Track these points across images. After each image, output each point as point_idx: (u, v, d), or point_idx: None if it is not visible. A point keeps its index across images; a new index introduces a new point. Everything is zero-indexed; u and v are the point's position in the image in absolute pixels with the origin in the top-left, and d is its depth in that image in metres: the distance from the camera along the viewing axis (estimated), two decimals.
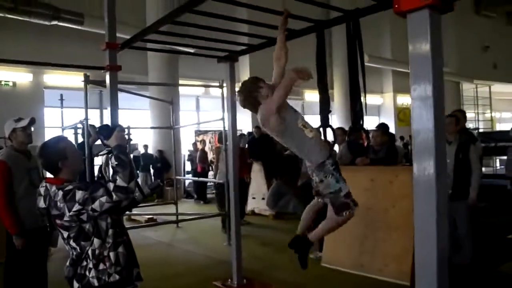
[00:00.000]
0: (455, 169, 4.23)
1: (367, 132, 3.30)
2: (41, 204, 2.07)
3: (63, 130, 7.02)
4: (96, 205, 1.94)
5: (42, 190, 2.08)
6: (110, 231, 2.06)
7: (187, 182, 12.16)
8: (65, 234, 2.04)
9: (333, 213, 2.92)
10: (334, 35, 13.85)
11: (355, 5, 2.99)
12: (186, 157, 12.35)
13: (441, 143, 1.33)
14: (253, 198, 8.72)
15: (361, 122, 3.00)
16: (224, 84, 6.95)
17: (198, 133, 12.56)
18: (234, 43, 4.05)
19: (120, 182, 1.93)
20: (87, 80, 5.22)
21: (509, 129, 10.92)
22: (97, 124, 5.38)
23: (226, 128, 6.20)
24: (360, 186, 4.74)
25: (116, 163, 1.99)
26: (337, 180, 2.86)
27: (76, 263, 2.05)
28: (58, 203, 1.98)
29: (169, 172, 10.72)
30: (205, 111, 13.78)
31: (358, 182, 4.78)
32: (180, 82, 11.33)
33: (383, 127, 5.41)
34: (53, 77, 10.71)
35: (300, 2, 2.79)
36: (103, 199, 1.93)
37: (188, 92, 12.87)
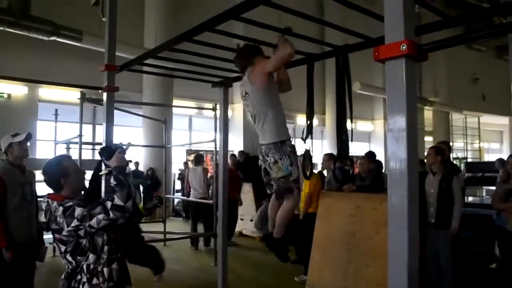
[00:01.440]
0: (438, 198, 4.37)
1: (352, 160, 3.44)
2: (42, 218, 2.17)
3: (56, 144, 7.08)
4: (93, 222, 2.04)
5: (43, 205, 2.19)
6: (106, 248, 2.16)
7: (176, 200, 12.19)
8: (63, 248, 2.14)
9: (282, 202, 3.05)
10: (328, 64, 14.16)
11: (346, 40, 3.17)
12: (177, 176, 12.41)
13: (413, 173, 1.45)
14: (241, 219, 8.77)
15: (346, 151, 3.14)
16: (218, 107, 7.16)
17: (189, 152, 12.65)
18: (227, 70, 4.21)
19: (117, 201, 2.05)
20: (83, 98, 5.33)
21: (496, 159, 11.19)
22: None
23: (219, 149, 6.40)
24: (346, 212, 4.86)
25: (115, 183, 2.12)
26: (291, 163, 2.99)
27: (71, 277, 2.14)
28: (58, 218, 2.09)
29: (159, 190, 10.76)
30: (198, 130, 13.92)
31: (344, 208, 4.92)
32: (174, 101, 11.48)
33: (370, 155, 5.57)
34: (48, 91, 10.79)
35: (294, 37, 2.94)
36: (100, 216, 2.04)
37: (181, 111, 13.01)
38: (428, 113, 18.83)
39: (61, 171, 2.24)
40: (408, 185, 1.43)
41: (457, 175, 4.46)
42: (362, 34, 2.86)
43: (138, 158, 11.55)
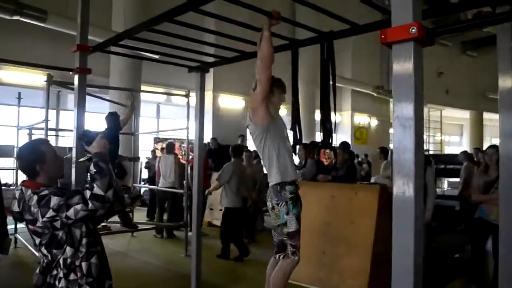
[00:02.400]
0: None
1: (335, 150, 3.40)
2: (15, 207, 2.01)
3: (18, 130, 6.71)
4: (70, 212, 1.89)
5: (17, 193, 2.02)
6: (84, 240, 2.01)
7: (142, 190, 11.90)
8: (37, 240, 1.99)
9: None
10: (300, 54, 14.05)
11: (330, 28, 3.10)
12: (143, 165, 12.10)
13: (419, 162, 1.40)
14: (211, 209, 8.66)
15: (330, 141, 3.09)
16: (191, 94, 6.98)
17: (157, 140, 12.37)
18: (205, 54, 4.08)
19: (97, 190, 1.90)
20: (50, 80, 5.03)
21: (457, 152, 11.55)
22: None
23: (190, 138, 6.24)
24: (322, 202, 4.86)
25: (94, 170, 1.96)
26: (287, 211, 2.81)
27: (46, 271, 1.98)
28: (32, 208, 1.93)
29: (125, 179, 10.45)
30: (165, 118, 13.62)
31: (320, 198, 4.90)
32: (143, 87, 11.14)
33: (344, 145, 5.58)
34: (10, 74, 10.21)
35: (282, 21, 2.84)
36: (78, 206, 1.88)
37: (149, 98, 12.67)
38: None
39: (38, 157, 2.06)
40: (415, 176, 1.38)
41: (430, 166, 4.52)
42: (349, 20, 2.81)
43: None
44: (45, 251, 1.98)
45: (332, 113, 3.10)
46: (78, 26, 3.53)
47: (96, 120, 11.54)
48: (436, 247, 5.99)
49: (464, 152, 9.00)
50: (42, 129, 5.24)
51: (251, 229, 7.23)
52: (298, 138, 3.07)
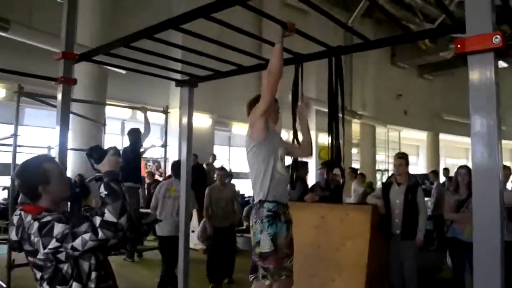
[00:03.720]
0: (404, 210, 4.36)
1: (343, 169, 3.28)
2: (13, 236, 1.69)
3: None
4: (77, 243, 1.61)
5: (15, 219, 1.71)
6: (93, 275, 1.72)
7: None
8: (38, 274, 1.68)
9: None
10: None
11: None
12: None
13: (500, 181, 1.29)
14: (192, 231, 8.31)
15: (339, 158, 2.96)
16: (169, 110, 6.72)
17: None
18: (197, 66, 3.87)
19: (108, 216, 1.63)
20: (21, 92, 4.63)
21: (418, 172, 11.87)
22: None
23: (168, 156, 5.98)
24: (311, 223, 4.70)
25: (105, 192, 1.68)
26: (261, 230, 2.64)
27: None
28: (32, 237, 1.63)
29: (88, 198, 9.89)
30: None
31: (309, 219, 4.75)
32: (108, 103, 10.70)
33: (330, 165, 5.49)
34: None
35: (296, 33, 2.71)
36: (87, 236, 1.61)
37: (114, 114, 12.19)
38: (355, 126, 19.65)
39: (41, 176, 1.77)
40: (500, 199, 1.26)
41: (421, 186, 4.51)
42: (362, 35, 2.72)
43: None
44: (47, 287, 1.69)
45: (341, 133, 2.97)
46: (62, 31, 3.26)
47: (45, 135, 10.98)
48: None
49: (434, 171, 9.23)
50: (9, 145, 4.80)
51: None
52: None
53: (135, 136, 5.80)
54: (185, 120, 4.13)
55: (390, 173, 20.80)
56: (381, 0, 14.72)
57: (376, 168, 20.83)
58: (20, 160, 5.43)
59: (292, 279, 2.95)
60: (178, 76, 4.67)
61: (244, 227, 9.75)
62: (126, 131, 12.88)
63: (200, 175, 8.04)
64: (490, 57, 1.30)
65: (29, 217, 1.69)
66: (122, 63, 4.08)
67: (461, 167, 4.69)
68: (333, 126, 2.97)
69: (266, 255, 2.61)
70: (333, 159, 2.94)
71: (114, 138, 12.48)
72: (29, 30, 8.16)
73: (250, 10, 2.34)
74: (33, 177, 1.78)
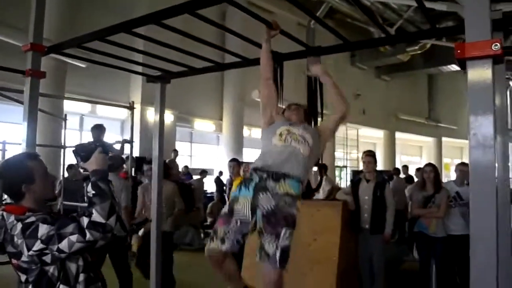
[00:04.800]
0: (373, 205, 4.50)
1: (326, 168, 3.33)
2: None
3: None
4: (63, 244, 1.54)
5: None
6: (82, 277, 1.66)
7: None
8: (23, 277, 1.60)
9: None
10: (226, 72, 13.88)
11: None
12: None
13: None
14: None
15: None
16: (135, 106, 6.56)
17: None
18: (172, 61, 3.80)
19: (96, 216, 1.57)
20: None
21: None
22: None
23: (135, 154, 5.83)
24: None
25: (93, 192, 1.63)
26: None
27: None
28: (15, 239, 1.55)
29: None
30: (87, 130, 12.71)
31: None
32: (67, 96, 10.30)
33: None
34: None
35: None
36: (73, 237, 1.55)
37: (72, 109, 11.76)
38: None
39: (24, 175, 1.69)
40: (499, 202, 1.33)
41: (389, 183, 4.67)
42: (343, 36, 2.78)
43: None
44: None
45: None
46: (31, 22, 3.11)
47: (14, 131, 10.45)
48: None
49: (396, 169, 9.67)
50: None
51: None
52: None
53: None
54: (157, 117, 4.04)
55: (348, 170, 21.45)
56: (342, 5, 15.10)
57: (335, 164, 21.30)
58: None
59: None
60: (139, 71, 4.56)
61: (208, 223, 9.73)
62: (84, 126, 12.65)
63: (164, 171, 7.88)
64: (489, 63, 1.35)
65: (12, 218, 1.61)
66: (90, 57, 3.98)
67: (427, 165, 4.94)
68: (312, 124, 2.99)
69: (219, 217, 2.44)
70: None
71: (73, 134, 12.05)
72: None
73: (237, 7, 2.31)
74: (16, 176, 1.70)
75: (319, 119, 3.25)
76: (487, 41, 1.34)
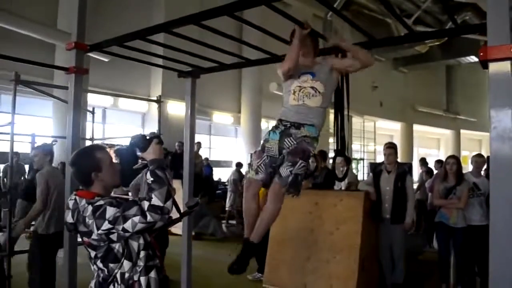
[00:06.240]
0: (393, 196, 4.66)
1: (349, 158, 3.50)
2: (69, 218, 1.84)
3: None
4: (127, 225, 1.76)
5: (71, 203, 1.85)
6: (142, 253, 1.88)
7: None
8: (92, 253, 1.83)
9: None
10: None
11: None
12: None
13: None
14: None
15: (343, 148, 3.19)
16: (163, 99, 6.80)
17: (108, 147, 11.81)
18: (200, 57, 3.99)
19: (155, 201, 1.77)
20: (18, 80, 4.63)
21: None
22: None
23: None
24: (304, 210, 4.93)
25: (152, 179, 1.83)
26: None
27: (102, 286, 1.83)
28: (87, 219, 1.77)
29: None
30: (111, 123, 13.07)
31: (303, 205, 4.96)
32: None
33: (322, 153, 5.74)
34: None
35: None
36: (136, 219, 1.75)
37: (95, 102, 12.10)
38: (332, 116, 20.10)
39: (93, 164, 1.91)
40: None
41: (410, 174, 4.81)
42: (368, 31, 2.93)
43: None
44: (101, 265, 1.83)
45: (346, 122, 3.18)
46: (74, 21, 3.32)
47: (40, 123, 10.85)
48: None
49: (422, 159, 9.82)
50: (7, 133, 4.78)
51: None
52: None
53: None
54: (188, 110, 4.24)
55: (365, 162, 21.45)
56: None
57: (352, 157, 21.33)
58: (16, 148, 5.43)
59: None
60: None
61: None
62: (107, 119, 13.00)
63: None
64: (508, 64, 1.52)
65: (84, 201, 1.83)
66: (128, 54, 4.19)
67: (449, 157, 5.06)
68: (338, 117, 3.15)
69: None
70: (338, 149, 3.15)
71: (97, 126, 12.40)
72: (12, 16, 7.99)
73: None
74: (87, 165, 1.92)
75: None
76: (507, 45, 1.51)
